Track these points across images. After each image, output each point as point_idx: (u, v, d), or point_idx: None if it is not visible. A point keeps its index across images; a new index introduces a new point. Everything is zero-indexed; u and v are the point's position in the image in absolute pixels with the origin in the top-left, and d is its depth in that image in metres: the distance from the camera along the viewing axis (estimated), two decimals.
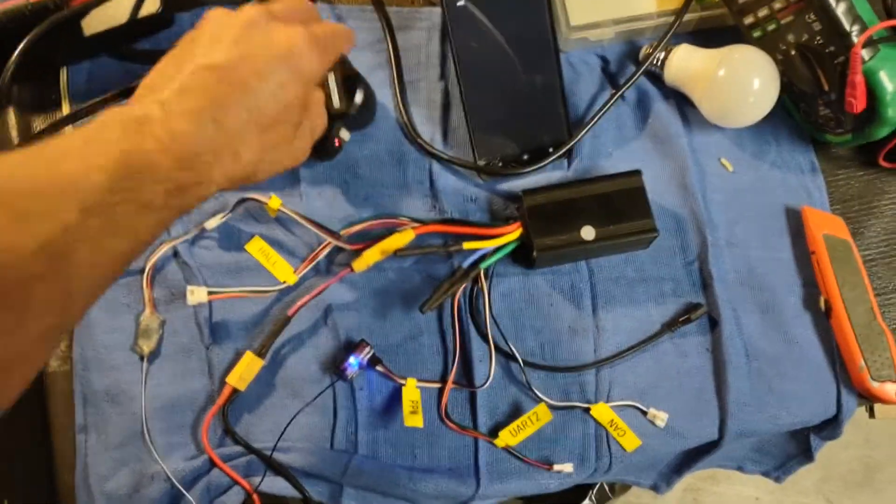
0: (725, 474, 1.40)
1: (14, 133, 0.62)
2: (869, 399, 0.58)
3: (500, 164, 0.62)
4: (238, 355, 0.57)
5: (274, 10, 0.45)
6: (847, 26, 0.55)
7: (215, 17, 0.44)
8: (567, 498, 0.79)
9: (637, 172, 0.58)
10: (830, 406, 0.59)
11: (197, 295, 0.57)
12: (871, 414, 0.91)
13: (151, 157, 0.37)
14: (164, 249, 0.59)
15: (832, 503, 1.42)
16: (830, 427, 0.59)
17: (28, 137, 0.61)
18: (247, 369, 0.56)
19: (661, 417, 0.57)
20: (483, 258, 0.58)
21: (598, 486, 0.81)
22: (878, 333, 0.58)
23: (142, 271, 0.59)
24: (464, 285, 0.58)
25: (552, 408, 0.58)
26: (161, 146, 0.37)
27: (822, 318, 0.60)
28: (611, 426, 0.57)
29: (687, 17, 0.62)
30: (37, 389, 0.58)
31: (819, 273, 0.60)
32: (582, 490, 0.80)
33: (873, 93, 0.55)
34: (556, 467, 0.56)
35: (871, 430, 1.43)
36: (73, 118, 0.61)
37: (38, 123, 0.62)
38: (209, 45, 0.42)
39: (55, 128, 0.61)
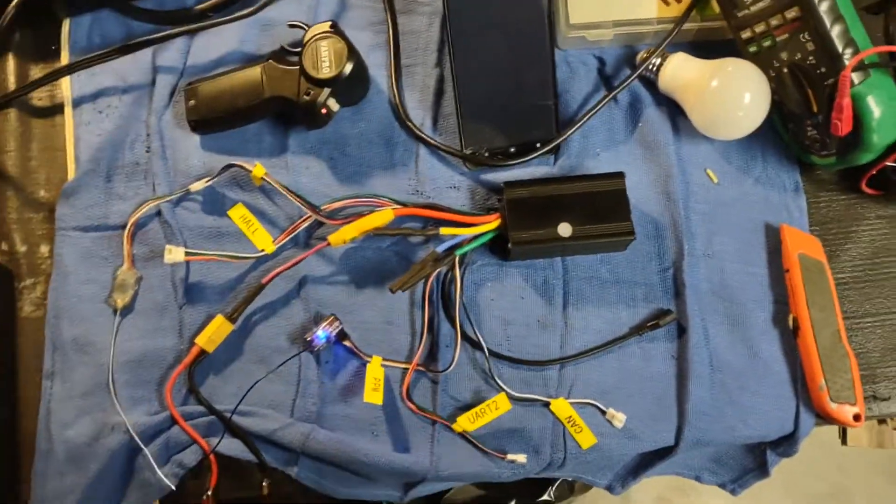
0: (693, 486, 1.40)
1: (12, 79, 0.63)
2: (826, 420, 0.59)
3: (487, 155, 0.62)
4: (210, 318, 0.58)
5: None
6: (840, 48, 0.55)
7: None
8: (526, 491, 0.80)
9: (620, 175, 0.59)
10: (788, 423, 0.59)
11: (174, 254, 0.58)
12: (844, 441, 0.91)
13: None
14: (148, 207, 0.60)
15: None
16: (787, 444, 0.60)
17: (24, 84, 0.62)
18: (216, 332, 0.57)
19: (619, 418, 0.58)
20: (459, 245, 0.59)
21: (558, 483, 0.81)
22: (842, 356, 0.58)
23: (123, 226, 0.60)
24: (437, 270, 0.58)
25: (512, 399, 0.58)
26: None
27: (790, 336, 0.60)
28: (568, 422, 0.58)
29: (687, 26, 0.63)
30: (7, 332, 0.59)
31: (791, 291, 0.60)
32: (543, 486, 0.81)
33: (860, 118, 0.55)
34: (510, 457, 0.57)
35: (843, 457, 1.44)
36: (69, 69, 0.61)
37: (36, 72, 0.63)
38: None
39: (52, 77, 0.61)
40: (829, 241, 0.63)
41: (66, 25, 0.64)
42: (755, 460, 0.63)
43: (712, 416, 0.58)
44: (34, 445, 0.56)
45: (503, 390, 0.58)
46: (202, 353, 0.57)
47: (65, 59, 0.63)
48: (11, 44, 0.63)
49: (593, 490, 1.04)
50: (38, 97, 0.63)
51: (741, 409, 0.59)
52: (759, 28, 0.59)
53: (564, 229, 0.57)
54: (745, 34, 0.60)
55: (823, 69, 0.56)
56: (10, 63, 0.63)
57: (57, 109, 0.63)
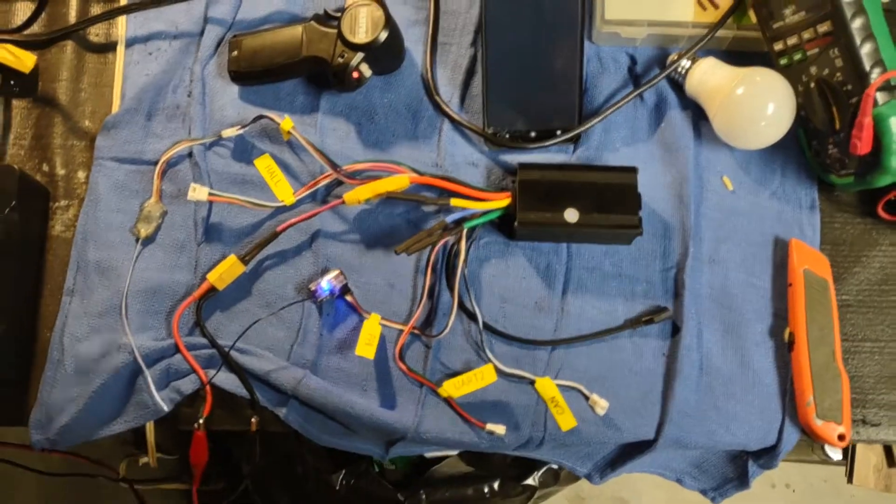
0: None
1: (73, 13, 0.67)
2: (810, 436, 0.59)
3: (508, 137, 0.64)
4: (224, 258, 0.61)
5: None
6: (867, 67, 0.55)
7: None
8: (512, 473, 0.81)
9: (633, 169, 0.60)
10: (771, 435, 0.59)
11: (198, 192, 0.61)
12: (850, 479, 0.90)
13: None
14: (181, 147, 0.63)
15: None
16: (768, 456, 0.60)
17: (83, 19, 0.66)
18: (228, 271, 0.60)
19: (601, 405, 0.59)
20: (468, 218, 0.60)
21: (544, 469, 0.82)
22: (835, 376, 0.58)
23: (156, 163, 0.63)
24: (444, 240, 0.60)
25: (500, 373, 0.60)
26: None
27: (784, 351, 0.60)
28: (551, 402, 0.59)
29: (721, 33, 0.63)
30: (38, 248, 0.62)
31: (791, 305, 0.60)
32: (528, 469, 0.82)
33: (880, 139, 0.55)
34: (489, 427, 0.58)
35: (852, 499, 1.40)
36: (126, 10, 0.65)
37: (96, 8, 0.67)
38: None
39: (109, 15, 0.65)
40: (839, 263, 0.63)
41: None
42: (736, 470, 0.63)
43: (695, 418, 0.59)
44: (48, 355, 0.60)
45: (492, 362, 0.59)
46: (212, 289, 0.60)
47: (124, 0, 0.67)
48: None
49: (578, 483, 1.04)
50: (95, 33, 0.67)
51: (725, 414, 0.59)
52: (792, 41, 0.59)
53: (571, 215, 0.59)
54: (778, 45, 0.61)
55: (850, 87, 0.56)
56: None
57: (110, 47, 0.67)
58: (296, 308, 0.61)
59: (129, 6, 0.65)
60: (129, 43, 0.66)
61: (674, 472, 0.64)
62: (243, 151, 0.64)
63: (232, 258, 0.60)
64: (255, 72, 0.63)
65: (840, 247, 0.63)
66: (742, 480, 0.62)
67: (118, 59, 0.66)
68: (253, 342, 0.60)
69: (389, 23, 0.60)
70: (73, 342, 0.59)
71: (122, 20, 0.66)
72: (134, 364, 0.58)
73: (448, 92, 0.66)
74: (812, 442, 0.60)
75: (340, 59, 0.61)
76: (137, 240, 0.62)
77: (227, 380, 0.59)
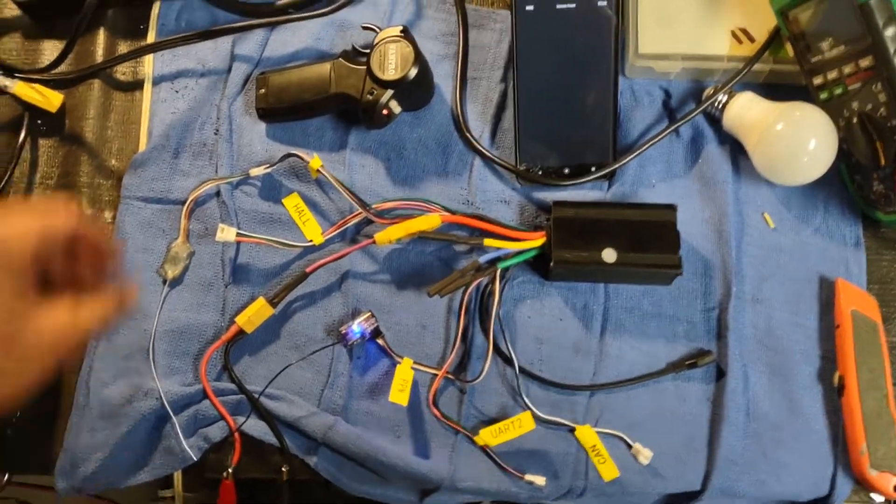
0: None
1: (100, 51, 0.67)
2: (864, 486, 0.56)
3: (541, 173, 0.62)
4: (252, 299, 0.60)
5: None
6: None
7: None
8: None
9: (672, 207, 0.58)
10: (823, 485, 0.56)
11: (226, 233, 0.59)
12: None
13: None
14: (209, 186, 0.62)
15: None
16: None
17: (111, 58, 0.65)
18: (257, 313, 0.58)
19: (645, 454, 0.57)
20: (502, 258, 0.59)
21: None
22: (888, 423, 0.56)
23: (183, 202, 0.62)
24: (477, 280, 0.59)
25: (538, 419, 0.57)
26: None
27: (833, 395, 0.58)
28: (592, 451, 0.57)
29: (757, 66, 0.62)
30: None
31: (840, 348, 0.58)
32: None
33: None
34: (528, 477, 0.56)
35: None
36: (153, 48, 0.65)
37: (123, 48, 0.67)
38: None
39: (137, 53, 0.65)
40: (888, 302, 0.60)
41: (156, 7, 0.67)
42: None
43: (742, 467, 0.56)
44: (74, 399, 0.58)
45: (530, 409, 0.57)
46: (240, 332, 0.59)
47: (151, 38, 0.66)
48: (104, 20, 0.67)
49: None
50: (122, 71, 0.66)
51: (775, 463, 0.57)
52: (832, 75, 0.58)
53: (609, 255, 0.57)
54: (818, 80, 0.59)
55: (894, 122, 0.54)
56: (101, 37, 0.67)
57: (137, 85, 0.66)
58: (325, 351, 0.59)
59: (157, 44, 0.65)
60: (157, 81, 0.66)
61: None
62: (271, 190, 0.63)
63: (261, 301, 0.58)
64: (282, 109, 0.63)
65: (888, 285, 0.61)
66: None
67: (145, 96, 0.65)
68: (282, 386, 0.58)
69: (419, 59, 0.59)
70: (98, 386, 0.58)
71: (149, 58, 0.66)
72: (161, 409, 0.57)
73: (478, 127, 0.64)
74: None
75: (370, 96, 0.60)
76: (164, 281, 0.61)
77: (255, 426, 0.57)
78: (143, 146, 0.64)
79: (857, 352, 0.57)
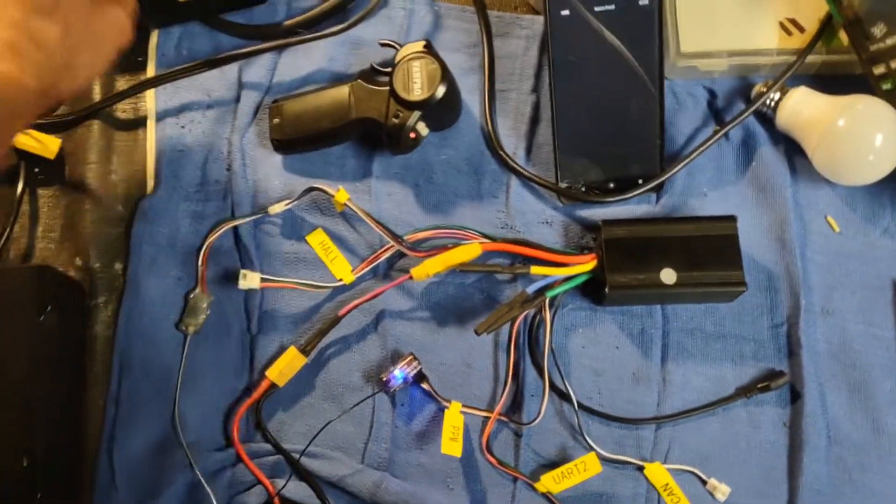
0: None
1: (97, 89, 0.62)
2: None
3: (583, 189, 0.58)
4: (282, 349, 0.55)
5: None
6: None
7: None
8: None
9: (732, 218, 0.54)
10: None
11: (250, 280, 0.55)
12: None
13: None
14: (225, 228, 0.57)
15: None
16: None
17: (109, 96, 0.61)
18: (288, 365, 0.54)
19: (722, 490, 0.52)
20: (550, 286, 0.54)
21: None
22: None
23: (199, 247, 0.57)
24: (525, 312, 0.54)
25: (603, 459, 0.53)
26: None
27: None
28: (664, 490, 0.52)
29: (810, 58, 0.57)
30: (77, 353, 0.56)
31: None
32: None
33: None
34: None
35: None
36: (154, 82, 0.60)
37: (122, 83, 0.62)
38: None
39: (137, 89, 0.60)
40: None
41: (153, 37, 0.62)
42: None
43: (829, 496, 0.52)
44: (92, 472, 0.54)
45: (593, 449, 0.53)
46: (272, 386, 0.54)
47: (151, 70, 0.62)
48: None
49: None
50: (122, 109, 0.62)
51: (863, 489, 0.52)
52: (895, 63, 0.53)
53: (668, 276, 0.52)
54: (879, 69, 0.54)
55: None
56: None
57: (140, 123, 0.61)
58: (366, 400, 0.54)
59: (158, 78, 0.60)
60: (160, 117, 0.61)
61: None
62: (293, 227, 0.58)
63: (292, 350, 0.54)
64: (300, 139, 0.58)
65: None
66: None
67: (149, 134, 0.60)
68: (321, 443, 0.54)
69: (447, 76, 0.55)
70: (122, 459, 0.53)
71: (150, 93, 0.61)
72: (193, 478, 0.52)
73: (512, 144, 0.60)
74: None
75: (395, 119, 0.55)
76: (185, 336, 0.56)
77: (297, 489, 0.52)
78: (150, 189, 0.59)
79: None
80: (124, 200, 0.60)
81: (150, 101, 0.61)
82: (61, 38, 0.40)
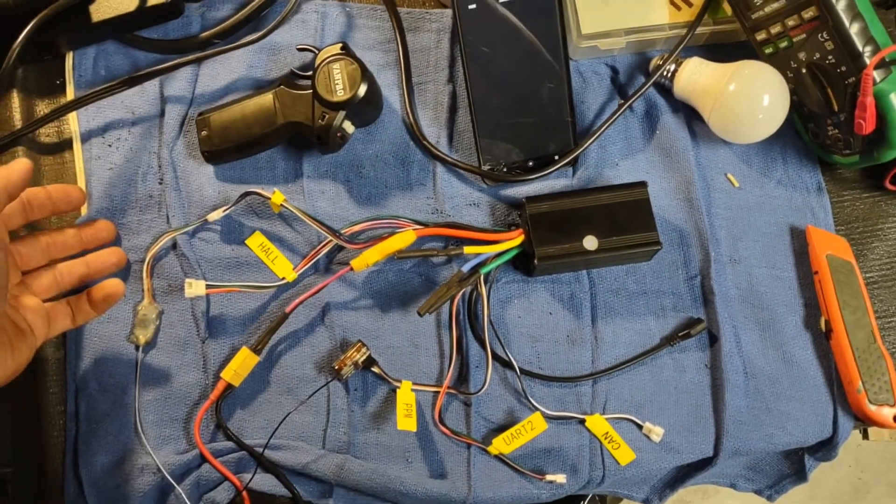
0: (715, 489, 1.40)
1: (17, 116, 0.61)
2: (865, 422, 0.58)
3: (505, 170, 0.61)
4: (234, 350, 0.57)
5: None
6: (860, 47, 0.54)
7: None
8: None
9: (643, 184, 0.58)
10: (826, 427, 0.58)
11: (195, 288, 0.56)
12: (865, 436, 0.91)
13: None
14: (164, 240, 0.58)
15: None
16: (825, 448, 0.59)
17: (31, 121, 0.61)
18: (242, 365, 0.56)
19: (656, 432, 0.57)
20: (483, 263, 0.58)
21: (589, 497, 0.80)
22: (878, 357, 0.58)
23: (142, 261, 0.58)
24: (463, 290, 0.58)
25: (547, 417, 0.57)
26: None
27: (822, 339, 0.60)
28: (605, 439, 0.57)
29: (699, 30, 0.62)
30: (27, 379, 0.57)
31: (821, 294, 0.59)
32: (573, 501, 0.79)
33: (883, 116, 0.55)
34: (549, 477, 0.56)
35: (860, 451, 1.43)
36: (75, 104, 0.60)
37: (42, 107, 0.62)
38: None
39: (58, 113, 0.60)
40: (856, 241, 0.62)
41: (69, 59, 0.62)
42: (792, 466, 0.62)
43: (750, 425, 0.58)
44: (60, 490, 0.55)
45: (538, 409, 0.57)
46: (228, 387, 0.56)
47: (70, 93, 0.62)
48: (16, 80, 0.62)
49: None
50: (46, 133, 0.62)
51: (778, 415, 0.58)
52: (775, 29, 0.58)
53: (590, 242, 0.56)
54: (761, 35, 0.60)
55: (844, 68, 0.56)
56: (15, 100, 0.62)
57: (65, 145, 0.61)
58: (321, 390, 0.57)
59: (79, 100, 0.60)
60: (85, 137, 0.61)
61: (728, 478, 0.63)
62: (232, 232, 0.60)
63: (244, 350, 0.56)
64: (230, 148, 0.59)
65: (854, 224, 0.63)
66: (800, 475, 0.62)
67: (76, 156, 0.61)
68: (282, 434, 0.56)
69: (366, 75, 0.57)
70: (89, 473, 0.54)
71: (72, 115, 0.61)
72: (161, 482, 0.54)
73: (434, 133, 0.63)
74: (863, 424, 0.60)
75: (322, 121, 0.57)
76: (137, 348, 0.57)
77: (263, 481, 0.55)
78: (84, 210, 0.60)
79: (838, 294, 0.59)
80: (58, 222, 0.60)
81: (73, 123, 0.61)
82: None
